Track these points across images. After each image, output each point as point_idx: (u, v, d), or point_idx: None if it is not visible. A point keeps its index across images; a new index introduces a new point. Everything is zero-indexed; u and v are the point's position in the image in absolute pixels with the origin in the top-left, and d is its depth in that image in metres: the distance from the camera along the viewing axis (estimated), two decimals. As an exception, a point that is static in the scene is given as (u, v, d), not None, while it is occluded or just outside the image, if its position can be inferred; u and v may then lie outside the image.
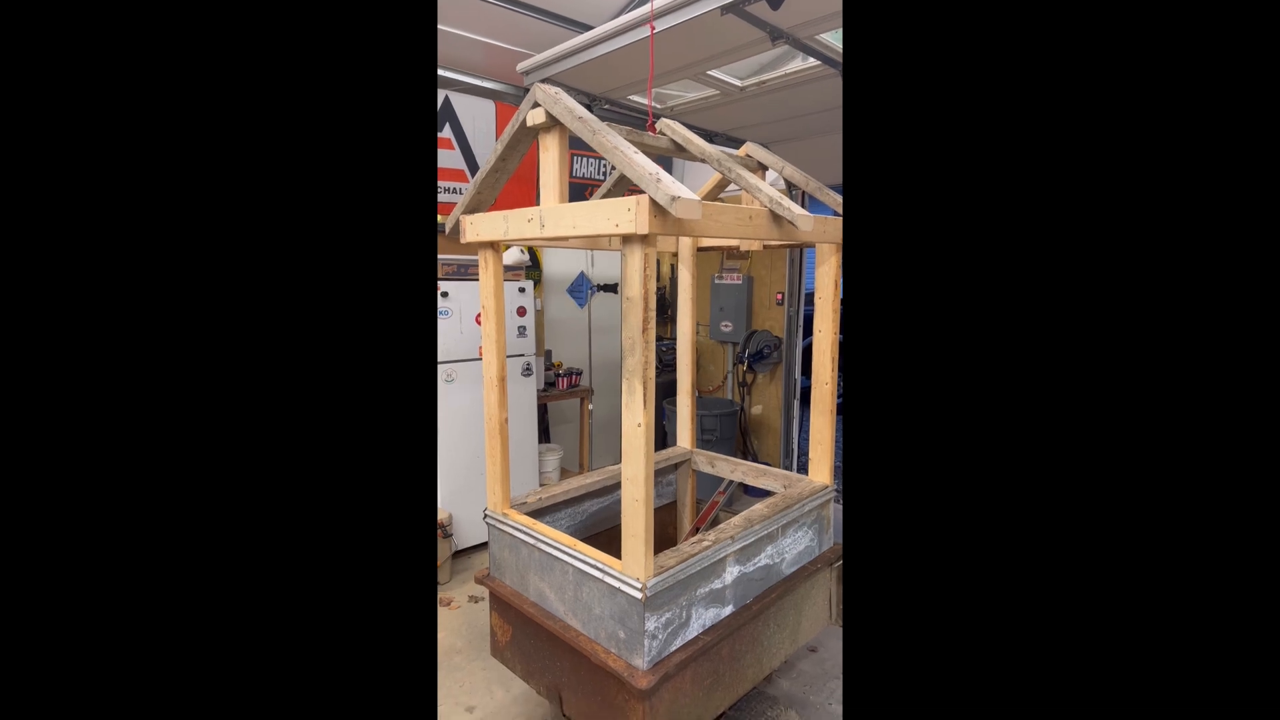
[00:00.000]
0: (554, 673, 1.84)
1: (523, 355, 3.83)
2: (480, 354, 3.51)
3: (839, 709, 2.40)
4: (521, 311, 3.78)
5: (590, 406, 4.38)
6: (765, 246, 2.42)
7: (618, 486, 2.46)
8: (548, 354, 4.61)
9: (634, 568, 1.55)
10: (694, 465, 2.68)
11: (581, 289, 5.01)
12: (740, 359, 4.80)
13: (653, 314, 1.44)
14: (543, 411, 4.68)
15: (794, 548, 2.06)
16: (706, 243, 2.58)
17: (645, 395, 1.46)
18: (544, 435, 4.73)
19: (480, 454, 3.58)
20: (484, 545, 3.65)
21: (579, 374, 4.43)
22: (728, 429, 4.51)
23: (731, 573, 1.81)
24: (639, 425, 1.48)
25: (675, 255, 2.68)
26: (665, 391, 5.15)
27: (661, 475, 2.67)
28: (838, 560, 2.24)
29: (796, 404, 4.81)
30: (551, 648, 1.83)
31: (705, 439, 4.31)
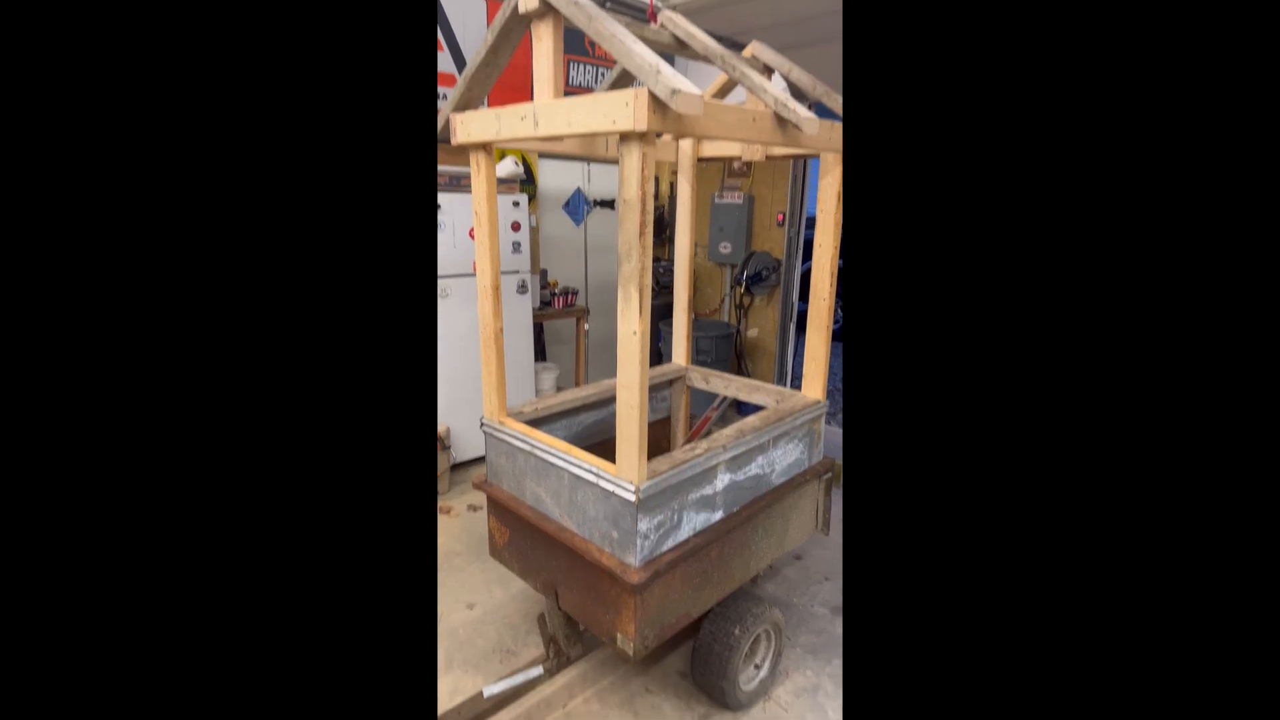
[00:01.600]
0: (550, 570, 1.92)
1: (517, 272, 3.78)
2: (475, 269, 3.45)
3: (821, 610, 2.54)
4: (516, 227, 3.70)
5: (586, 326, 4.37)
6: (768, 156, 2.34)
7: (613, 400, 2.49)
8: (543, 273, 4.55)
9: (628, 472, 1.58)
10: (688, 381, 2.71)
11: (578, 206, 4.89)
12: (738, 281, 4.75)
13: (650, 217, 1.40)
14: (539, 331, 4.68)
15: (784, 459, 2.11)
16: (707, 152, 2.49)
17: (641, 302, 1.45)
18: (540, 355, 4.75)
19: (476, 369, 3.60)
20: (482, 459, 3.73)
21: (575, 293, 4.39)
22: (723, 351, 4.53)
23: (722, 480, 1.85)
24: (634, 333, 1.48)
25: (674, 171, 2.60)
26: (661, 314, 5.13)
27: (656, 391, 2.70)
28: (826, 473, 2.30)
29: (793, 328, 4.81)
30: (548, 548, 1.91)
31: (700, 360, 4.34)
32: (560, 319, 4.46)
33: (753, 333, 5.04)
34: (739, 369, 5.07)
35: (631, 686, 2.11)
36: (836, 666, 2.22)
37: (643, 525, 1.62)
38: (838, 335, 6.64)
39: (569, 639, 1.97)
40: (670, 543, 1.72)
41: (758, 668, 2.11)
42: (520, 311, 3.84)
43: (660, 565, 1.65)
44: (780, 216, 4.63)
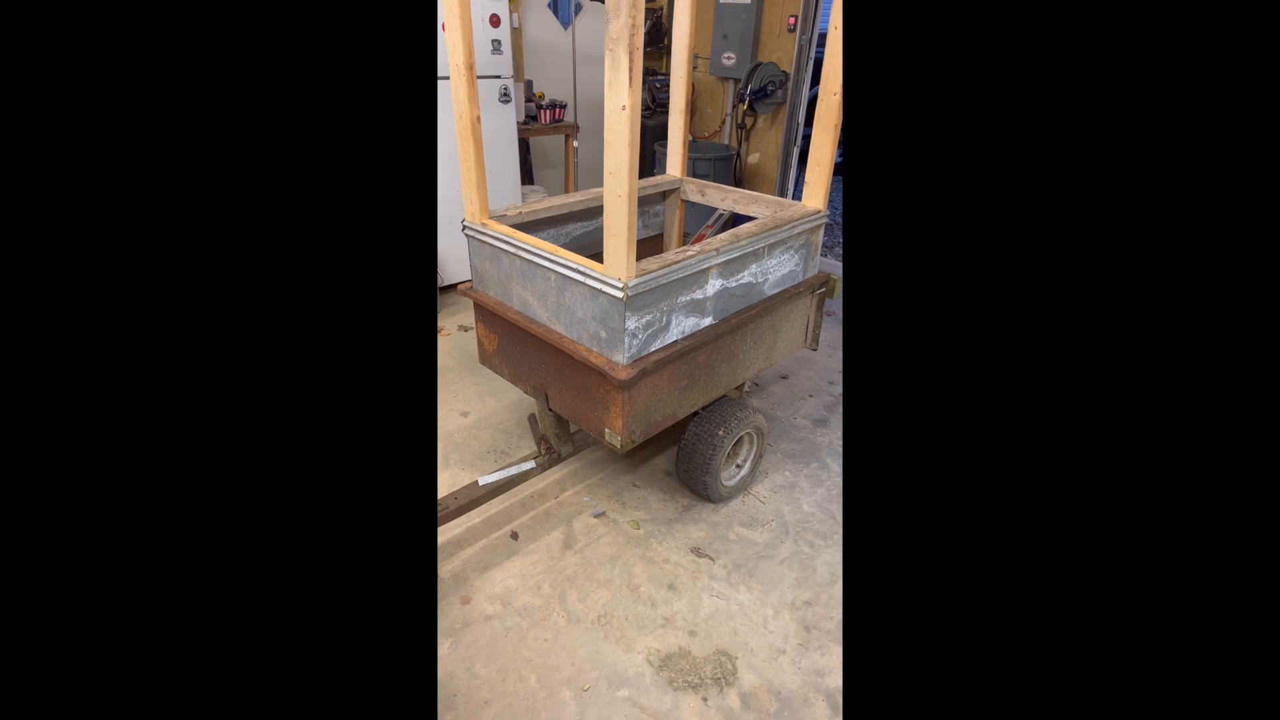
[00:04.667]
0: (539, 373, 1.94)
1: (498, 77, 3.44)
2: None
3: (803, 422, 2.64)
4: (495, 21, 3.30)
5: (575, 144, 4.08)
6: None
7: (600, 210, 2.37)
8: (528, 84, 4.16)
9: (616, 268, 1.53)
10: (683, 194, 2.57)
11: (564, 3, 4.34)
12: (741, 96, 4.38)
13: (642, -40, 1.19)
14: (524, 149, 4.39)
15: (778, 270, 2.05)
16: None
17: (631, 69, 1.29)
18: (526, 178, 4.50)
19: (459, 186, 3.41)
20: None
21: (563, 107, 4.05)
22: (720, 175, 4.29)
23: (714, 285, 1.81)
24: (623, 108, 1.33)
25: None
26: (655, 135, 4.79)
27: (648, 205, 2.57)
28: (820, 287, 2.26)
29: (796, 154, 4.53)
30: (537, 351, 1.91)
31: (696, 184, 4.12)
32: (547, 135, 4.16)
33: (753, 158, 4.76)
34: (736, 197, 4.86)
35: (620, 482, 2.25)
36: (814, 469, 2.36)
37: (631, 324, 1.60)
38: (838, 169, 6.31)
39: (559, 438, 2.05)
40: (658, 343, 1.71)
41: (739, 467, 2.24)
42: (502, 123, 3.55)
43: (648, 364, 1.66)
44: (791, 20, 4.15)
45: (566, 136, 4.11)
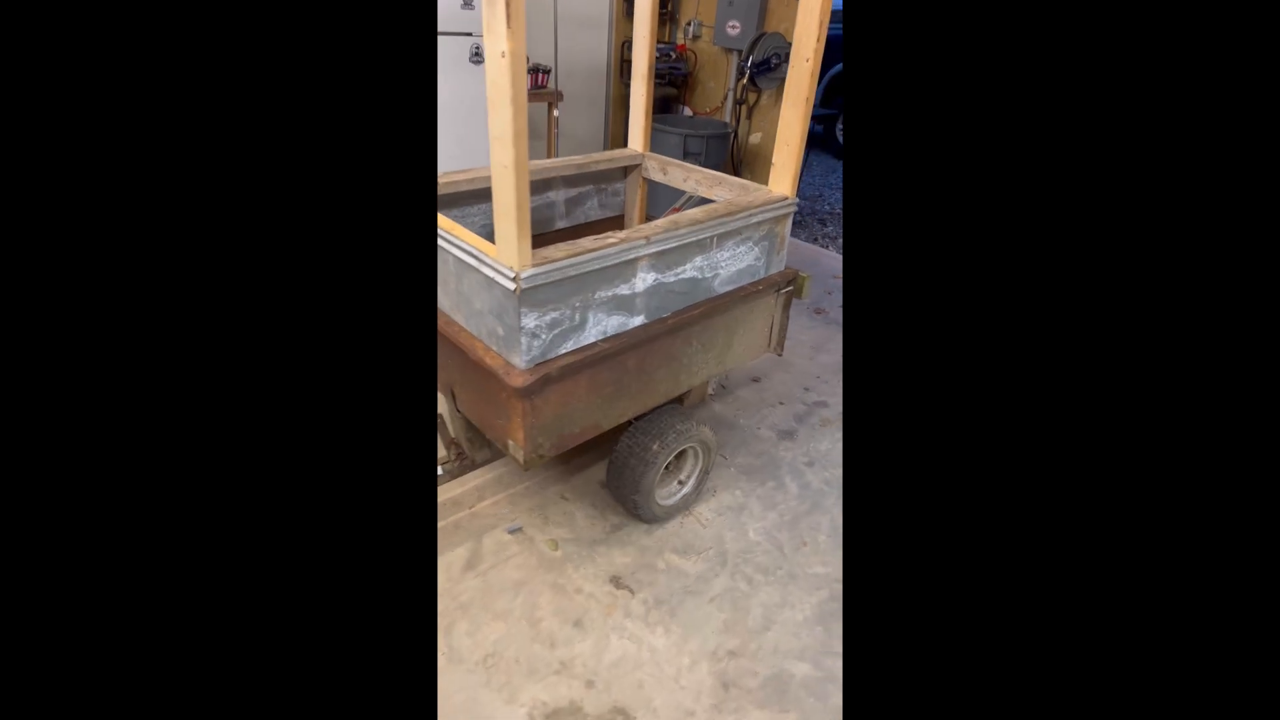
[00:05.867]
0: (447, 370, 1.70)
1: (469, 35, 3.15)
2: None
3: (767, 433, 2.38)
4: (464, -29, 3.01)
5: (556, 114, 3.79)
6: None
7: (549, 185, 2.11)
8: (513, 46, 3.87)
9: (507, 254, 1.27)
10: (645, 172, 2.29)
11: (556, -41, 4.02)
12: (742, 69, 4.05)
13: None
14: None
15: (732, 264, 1.78)
16: None
17: (510, 9, 1.02)
18: (511, 148, 4.22)
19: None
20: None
21: (546, 73, 3.75)
22: (715, 155, 3.98)
23: (645, 280, 1.55)
24: (502, 55, 1.07)
25: None
26: (658, 107, 4.47)
27: (607, 183, 2.30)
28: (787, 286, 1.98)
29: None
30: (443, 345, 1.67)
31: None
32: (529, 103, 3.87)
33: (755, 138, 4.43)
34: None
35: (547, 493, 2.01)
36: (768, 489, 2.10)
37: (529, 321, 1.35)
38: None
39: (473, 443, 1.82)
40: (570, 345, 1.46)
41: (681, 483, 1.99)
42: (472, 88, 3.27)
43: (553, 370, 1.41)
44: (801, -13, 3.79)
45: (549, 106, 3.82)
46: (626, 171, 2.33)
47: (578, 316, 1.44)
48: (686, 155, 3.86)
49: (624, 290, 1.51)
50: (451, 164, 3.41)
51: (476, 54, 3.21)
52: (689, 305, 1.71)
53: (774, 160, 1.83)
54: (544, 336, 1.39)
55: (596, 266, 1.41)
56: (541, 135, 4.33)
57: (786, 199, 1.82)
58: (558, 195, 2.15)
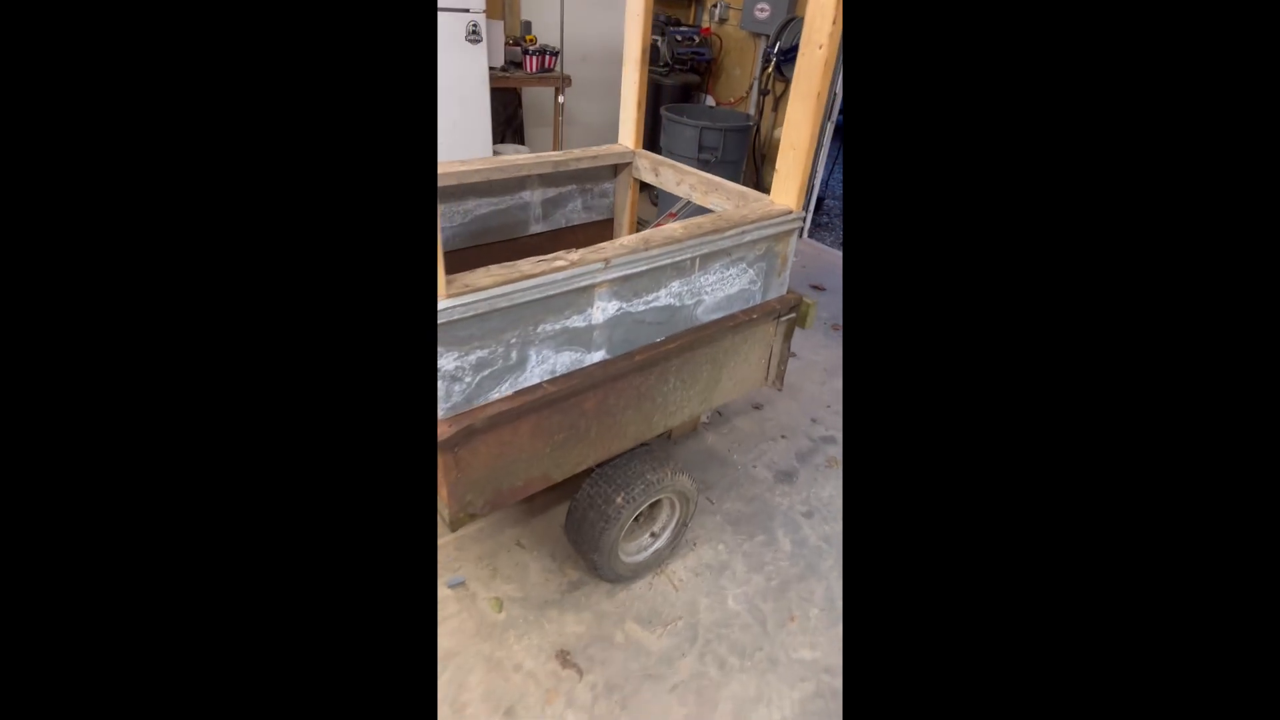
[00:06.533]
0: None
1: (466, 11, 2.89)
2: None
3: (763, 473, 2.10)
4: (459, -60, 2.74)
5: (562, 99, 3.51)
6: None
7: (521, 184, 1.84)
8: (525, 25, 3.60)
9: (414, 282, 1.01)
10: (635, 172, 2.01)
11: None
12: (767, 56, 3.71)
13: None
14: (514, 104, 3.85)
15: (720, 289, 1.50)
16: None
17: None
18: (517, 136, 3.97)
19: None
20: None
21: (554, 54, 3.47)
22: (734, 149, 3.66)
23: (605, 310, 1.28)
24: None
25: None
26: (671, 96, 4.16)
27: (593, 182, 2.02)
28: (789, 313, 1.69)
29: (830, 130, 3.84)
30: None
31: (702, 159, 3.51)
32: (533, 86, 3.60)
33: (780, 132, 4.09)
34: (756, 178, 4.22)
35: (502, 537, 1.77)
36: (757, 544, 1.82)
37: (448, 362, 1.09)
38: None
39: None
40: (505, 388, 1.20)
41: (654, 536, 1.73)
42: (468, 68, 3.02)
43: (478, 420, 1.16)
44: (838, -34, 3.43)
45: (556, 90, 3.55)
46: (617, 170, 2.05)
47: (514, 355, 1.18)
48: (702, 149, 3.55)
49: (578, 322, 1.25)
50: (444, 153, 3.18)
51: (474, 32, 2.95)
52: (668, 337, 1.43)
53: (778, 167, 1.54)
54: (467, 380, 1.14)
55: (538, 296, 1.14)
56: (548, 121, 4.06)
57: (790, 213, 1.53)
58: (533, 195, 1.89)
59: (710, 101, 4.58)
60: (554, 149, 3.82)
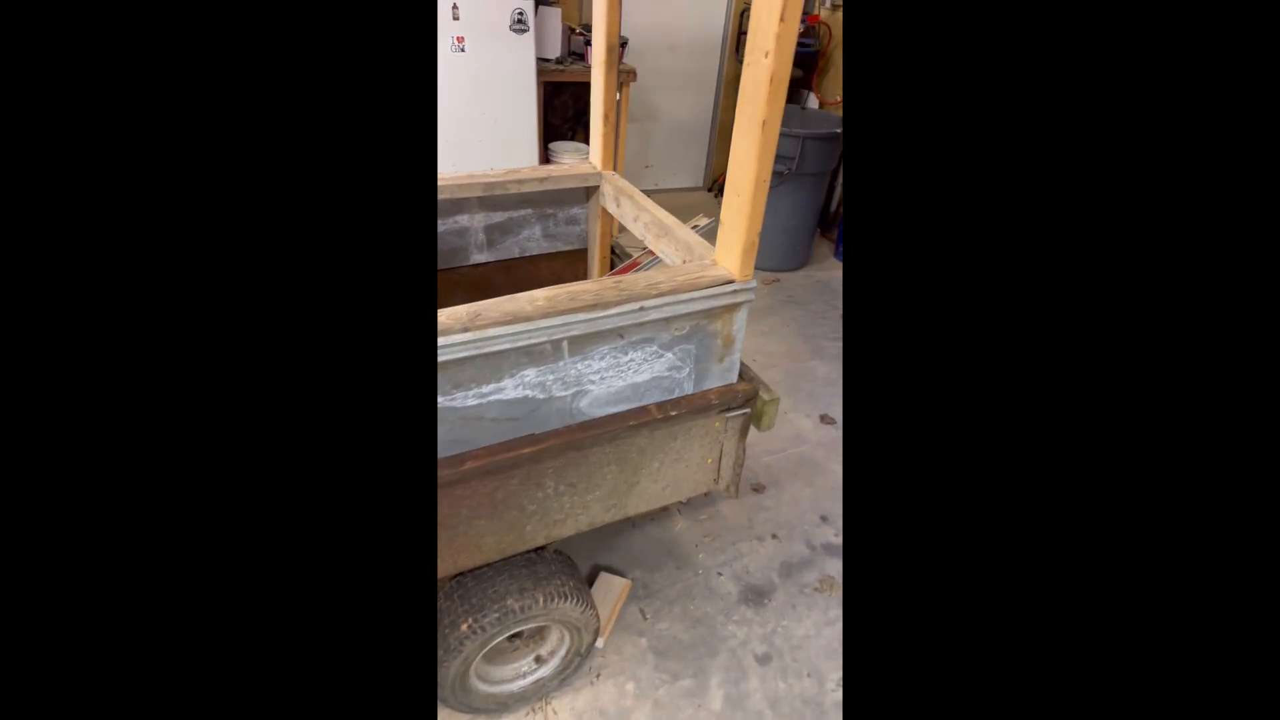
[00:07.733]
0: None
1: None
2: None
3: (726, 586, 1.67)
4: (499, -82, 2.49)
5: (616, 96, 3.16)
6: None
7: (457, 206, 1.55)
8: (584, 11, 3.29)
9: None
10: (601, 198, 1.64)
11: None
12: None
13: None
14: (578, 96, 3.56)
15: (618, 376, 1.11)
16: None
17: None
18: (587, 134, 3.69)
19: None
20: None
21: (623, 45, 3.13)
22: (817, 160, 3.11)
23: (446, 399, 0.95)
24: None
25: None
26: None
27: (556, 207, 1.68)
28: (740, 408, 1.26)
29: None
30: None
31: (775, 169, 3.01)
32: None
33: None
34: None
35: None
36: (679, 689, 1.42)
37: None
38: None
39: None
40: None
41: (540, 661, 1.39)
42: (513, 61, 2.77)
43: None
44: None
45: (623, 86, 3.21)
46: (589, 194, 1.69)
47: (264, 458, 0.90)
48: (781, 156, 3.05)
49: (369, 418, 0.94)
50: (483, 153, 2.96)
51: (519, 20, 2.70)
52: (551, 433, 1.09)
53: (722, 216, 1.11)
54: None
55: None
56: (640, 118, 3.74)
57: (729, 282, 1.10)
58: (473, 221, 1.59)
59: (813, 101, 4.01)
60: (614, 152, 3.50)
